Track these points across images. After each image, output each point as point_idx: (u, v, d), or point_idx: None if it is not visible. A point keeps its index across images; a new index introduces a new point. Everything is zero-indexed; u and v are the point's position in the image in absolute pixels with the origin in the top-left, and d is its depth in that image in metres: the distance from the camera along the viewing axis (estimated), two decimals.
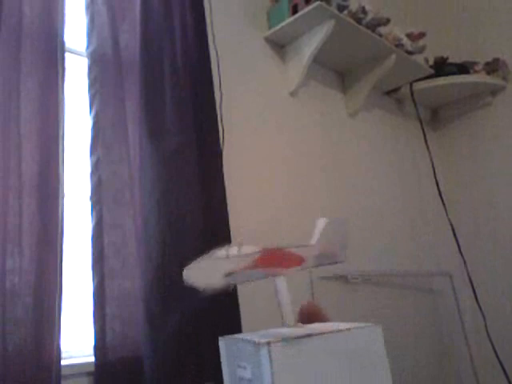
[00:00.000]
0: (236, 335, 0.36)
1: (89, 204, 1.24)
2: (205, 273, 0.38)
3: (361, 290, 1.99)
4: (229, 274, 0.38)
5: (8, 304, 1.01)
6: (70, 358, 1.21)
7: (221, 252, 0.39)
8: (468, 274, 2.37)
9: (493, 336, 2.33)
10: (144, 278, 1.23)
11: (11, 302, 1.02)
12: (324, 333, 0.34)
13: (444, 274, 2.43)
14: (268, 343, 0.31)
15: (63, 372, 1.09)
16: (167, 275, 1.24)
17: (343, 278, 1.90)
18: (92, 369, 1.14)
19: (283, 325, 0.41)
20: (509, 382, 2.24)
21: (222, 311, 1.32)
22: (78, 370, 1.16)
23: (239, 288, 1.40)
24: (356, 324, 0.37)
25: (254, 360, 0.32)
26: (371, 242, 2.12)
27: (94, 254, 1.20)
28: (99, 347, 1.15)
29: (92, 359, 1.15)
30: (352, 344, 0.34)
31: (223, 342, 0.37)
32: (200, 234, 1.34)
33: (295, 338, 0.33)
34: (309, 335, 0.33)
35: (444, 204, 2.45)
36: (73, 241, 1.27)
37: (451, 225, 2.43)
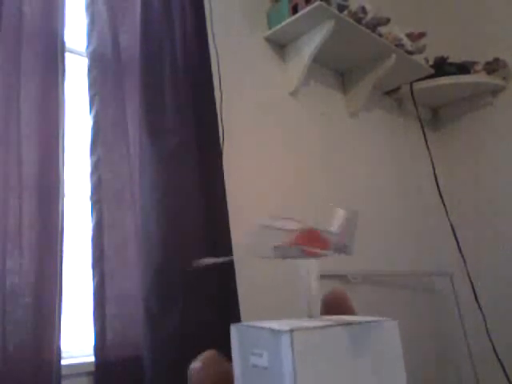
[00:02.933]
0: (250, 323, 0.36)
1: (89, 204, 1.24)
2: (256, 243, 0.38)
3: (361, 289, 1.99)
4: (276, 248, 0.38)
5: (8, 304, 1.01)
6: (70, 357, 1.21)
7: (270, 221, 0.39)
8: (468, 274, 2.37)
9: (493, 336, 2.33)
10: (144, 277, 1.23)
11: (11, 302, 1.02)
12: (344, 324, 0.34)
13: (444, 274, 2.42)
14: (291, 331, 0.31)
15: (63, 372, 1.09)
16: (167, 275, 1.24)
17: (343, 278, 1.90)
18: (92, 369, 1.14)
19: (308, 313, 0.41)
20: (509, 381, 2.24)
21: (222, 311, 1.32)
22: (77, 370, 1.16)
23: (239, 288, 1.40)
24: (375, 317, 0.37)
25: (272, 347, 0.32)
26: (371, 242, 2.12)
27: (94, 254, 1.20)
28: (99, 347, 1.15)
29: (92, 359, 1.15)
30: (369, 337, 0.34)
31: (235, 330, 0.37)
32: (200, 233, 1.34)
33: (317, 328, 0.33)
34: (330, 326, 0.33)
35: (444, 204, 2.45)
36: (73, 241, 1.27)
37: (451, 225, 2.43)
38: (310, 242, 0.37)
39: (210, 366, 0.35)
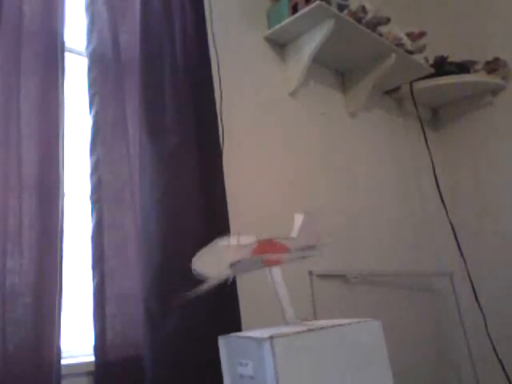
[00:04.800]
0: (236, 333, 0.36)
1: (89, 204, 1.24)
2: (211, 263, 0.38)
3: (360, 289, 1.99)
4: (232, 264, 0.39)
5: (8, 304, 1.01)
6: (70, 357, 1.21)
7: (222, 242, 0.40)
8: (468, 274, 2.37)
9: (493, 336, 2.33)
10: (144, 277, 1.23)
11: (11, 302, 1.02)
12: (325, 327, 0.34)
13: (444, 273, 2.42)
14: (270, 338, 0.31)
15: (63, 372, 1.09)
16: (167, 275, 1.24)
17: (343, 278, 1.90)
18: (92, 368, 1.14)
19: (284, 319, 0.41)
20: (509, 381, 2.24)
21: (222, 310, 1.32)
22: (78, 370, 1.16)
23: (239, 287, 1.40)
24: (356, 319, 0.37)
25: (256, 356, 0.32)
26: (371, 242, 2.12)
27: (94, 254, 1.20)
28: (99, 347, 1.15)
29: (92, 359, 1.15)
30: (352, 338, 0.34)
31: (223, 341, 0.37)
32: (200, 234, 1.34)
33: (297, 333, 0.33)
34: (310, 330, 0.33)
35: (444, 204, 2.45)
36: (73, 241, 1.27)
37: (451, 225, 2.43)
38: (268, 250, 0.37)
39: None
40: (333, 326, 0.34)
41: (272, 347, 0.30)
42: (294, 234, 0.44)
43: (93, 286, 1.19)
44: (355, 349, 0.35)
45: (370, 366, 0.35)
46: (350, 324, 0.35)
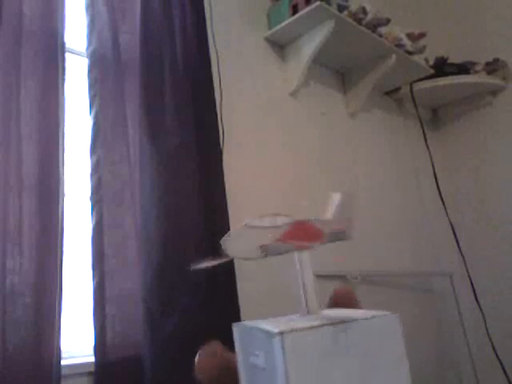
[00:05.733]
0: (250, 322, 0.36)
1: (89, 204, 1.24)
2: (241, 244, 0.38)
3: (360, 289, 1.98)
4: (262, 247, 0.38)
5: (8, 304, 1.01)
6: (70, 357, 1.21)
7: (255, 221, 0.38)
8: (468, 274, 2.37)
9: (493, 336, 2.33)
10: (144, 277, 1.23)
11: (11, 302, 1.02)
12: (338, 322, 0.33)
13: (444, 274, 2.42)
14: (281, 333, 0.30)
15: (63, 372, 1.09)
16: (167, 275, 1.24)
17: (343, 278, 1.90)
18: (92, 369, 1.14)
19: (303, 311, 0.41)
20: (509, 381, 2.24)
21: (222, 310, 1.32)
22: (78, 370, 1.16)
23: (239, 287, 1.40)
24: (372, 312, 0.36)
25: (267, 348, 0.32)
26: (371, 242, 2.12)
27: (93, 254, 1.20)
28: (99, 347, 1.15)
29: (92, 359, 1.15)
30: (367, 333, 0.34)
31: (237, 329, 0.37)
32: (200, 233, 1.34)
33: (309, 328, 0.33)
34: (323, 325, 0.33)
35: (444, 204, 2.45)
36: (73, 241, 1.27)
37: (451, 225, 2.43)
38: (301, 235, 0.36)
39: (215, 356, 0.34)
40: (346, 322, 0.34)
41: (282, 342, 0.29)
42: (329, 215, 0.43)
43: (93, 286, 1.19)
44: (370, 345, 0.34)
45: (386, 362, 0.35)
46: (365, 319, 0.35)
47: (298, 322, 0.35)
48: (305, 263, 0.43)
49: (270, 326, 0.33)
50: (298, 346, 0.31)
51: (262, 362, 0.33)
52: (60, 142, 1.18)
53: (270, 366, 0.31)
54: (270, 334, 0.31)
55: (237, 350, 0.37)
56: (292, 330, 0.31)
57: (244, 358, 0.35)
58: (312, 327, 0.32)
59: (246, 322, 0.36)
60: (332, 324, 0.33)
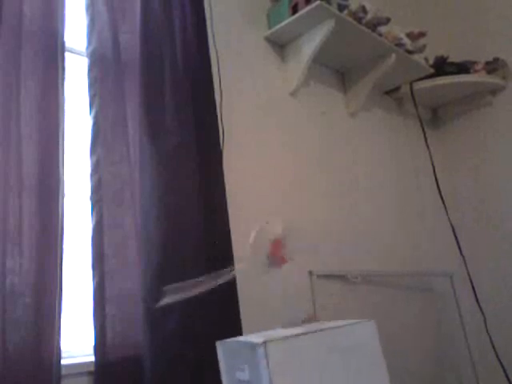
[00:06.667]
0: (233, 338, 0.36)
1: (89, 204, 1.24)
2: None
3: (360, 289, 1.99)
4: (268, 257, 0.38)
5: (8, 304, 1.01)
6: (70, 357, 1.21)
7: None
8: (468, 274, 2.37)
9: (493, 336, 2.33)
10: (144, 277, 1.23)
11: (11, 302, 1.02)
12: (318, 330, 0.34)
13: (444, 274, 2.42)
14: (264, 343, 0.31)
15: (63, 372, 1.09)
16: (167, 275, 1.24)
17: (343, 278, 1.90)
18: (92, 368, 1.14)
19: (282, 323, 0.41)
20: (509, 381, 2.24)
21: (222, 310, 1.32)
22: (78, 370, 1.16)
23: (239, 286, 1.40)
24: (350, 321, 0.36)
25: (251, 361, 0.32)
26: (371, 242, 2.12)
27: (93, 254, 1.20)
28: (99, 347, 1.15)
29: (92, 359, 1.15)
30: (347, 340, 0.34)
31: (221, 346, 0.37)
32: (200, 233, 1.34)
33: (291, 337, 0.33)
34: (304, 333, 0.33)
35: (444, 204, 2.45)
36: (73, 241, 1.27)
37: (451, 225, 2.43)
38: (279, 250, 0.37)
39: None
40: (326, 329, 0.34)
41: (266, 352, 0.30)
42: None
43: (93, 286, 1.19)
44: (350, 350, 0.35)
45: (366, 366, 0.35)
46: (343, 326, 0.35)
47: (280, 332, 0.36)
48: (283, 275, 0.43)
49: (253, 338, 0.33)
50: (281, 355, 0.31)
51: (247, 375, 0.33)
52: (60, 142, 1.18)
53: (254, 378, 0.31)
54: (253, 345, 0.31)
55: (221, 369, 0.37)
56: (274, 340, 0.31)
57: (229, 374, 0.35)
58: (294, 335, 0.32)
59: (229, 339, 0.36)
60: (313, 332, 0.33)
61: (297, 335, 0.32)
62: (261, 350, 0.29)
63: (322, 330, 0.33)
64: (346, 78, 2.28)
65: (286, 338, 0.31)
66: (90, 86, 1.31)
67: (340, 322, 0.37)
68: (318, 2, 1.76)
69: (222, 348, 0.35)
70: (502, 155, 2.56)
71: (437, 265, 2.46)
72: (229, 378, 0.34)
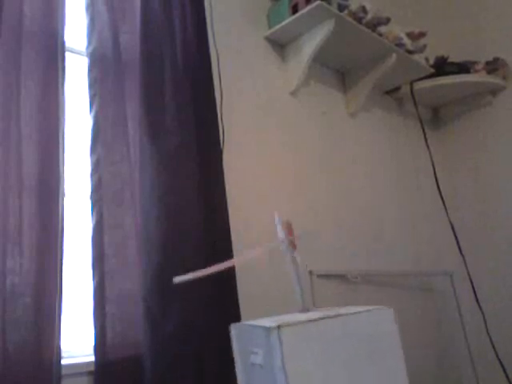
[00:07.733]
0: (248, 321, 0.36)
1: (89, 204, 1.24)
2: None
3: (360, 289, 1.99)
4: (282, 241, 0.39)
5: (8, 304, 1.01)
6: (70, 357, 1.21)
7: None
8: (468, 274, 2.37)
9: (493, 336, 2.33)
10: (144, 277, 1.23)
11: (11, 301, 1.02)
12: (335, 316, 0.34)
13: (444, 273, 2.43)
14: (278, 327, 0.31)
15: (63, 372, 1.09)
16: (167, 275, 1.24)
17: (343, 277, 1.90)
18: (92, 368, 1.14)
19: (300, 307, 0.41)
20: (509, 381, 2.24)
21: (222, 310, 1.32)
22: (78, 370, 1.16)
23: (239, 287, 1.40)
24: (366, 307, 0.36)
25: (265, 345, 0.32)
26: (371, 242, 2.12)
27: (93, 253, 1.20)
28: (99, 347, 1.15)
29: (92, 359, 1.15)
30: (363, 327, 0.34)
31: (235, 330, 0.37)
32: (200, 233, 1.34)
33: (306, 322, 0.33)
34: (320, 318, 0.33)
35: (444, 203, 2.45)
36: (73, 241, 1.27)
37: (451, 224, 2.43)
38: (291, 233, 0.37)
39: None
40: (343, 315, 0.34)
41: (279, 336, 0.30)
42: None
43: (93, 286, 1.19)
44: (366, 338, 0.34)
45: (382, 355, 0.35)
46: (360, 312, 0.35)
47: (295, 317, 0.35)
48: (298, 262, 0.43)
49: (268, 322, 0.33)
50: (295, 339, 0.31)
51: (261, 359, 0.33)
52: (60, 142, 1.18)
53: (268, 362, 0.31)
54: (268, 329, 0.30)
55: (234, 352, 0.36)
56: (289, 324, 0.30)
57: (242, 358, 0.35)
58: (309, 321, 0.32)
59: (244, 322, 0.36)
60: (329, 317, 0.33)
61: (312, 320, 0.31)
62: (275, 335, 0.29)
63: (338, 316, 0.33)
64: (346, 77, 2.28)
65: (301, 322, 0.31)
66: (90, 85, 1.31)
67: (358, 308, 0.37)
68: (318, 2, 1.76)
69: (236, 330, 0.35)
70: (502, 155, 2.56)
71: (437, 264, 2.46)
72: (242, 361, 0.34)
